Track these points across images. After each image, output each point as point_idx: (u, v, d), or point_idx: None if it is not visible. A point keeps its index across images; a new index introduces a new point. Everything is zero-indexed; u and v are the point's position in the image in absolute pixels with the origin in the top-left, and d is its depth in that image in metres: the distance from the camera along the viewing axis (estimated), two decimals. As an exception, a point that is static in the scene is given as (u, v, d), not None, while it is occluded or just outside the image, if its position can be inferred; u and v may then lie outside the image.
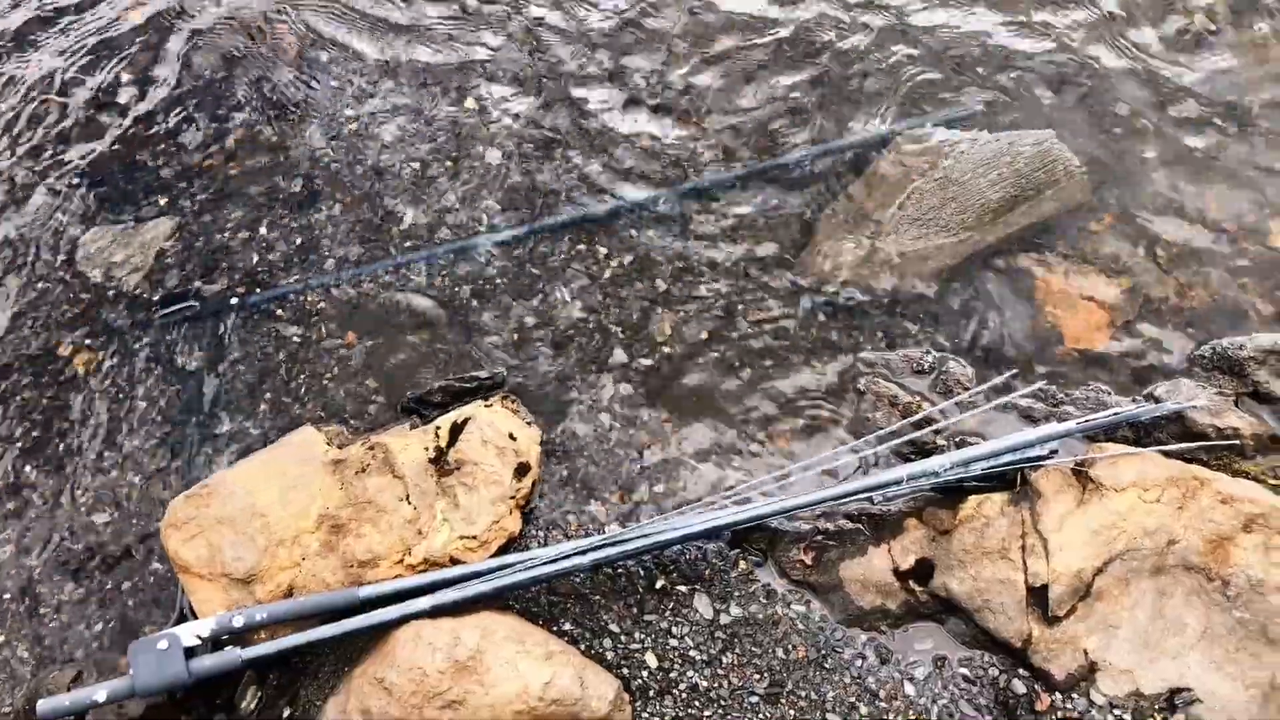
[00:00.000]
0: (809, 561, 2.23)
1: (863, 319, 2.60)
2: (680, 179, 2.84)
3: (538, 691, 1.92)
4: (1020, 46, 3.11)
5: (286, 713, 2.07)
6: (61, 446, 2.44)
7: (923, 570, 2.17)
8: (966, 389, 2.36)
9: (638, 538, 2.12)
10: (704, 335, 2.60)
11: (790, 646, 2.13)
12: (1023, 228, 2.69)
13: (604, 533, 2.23)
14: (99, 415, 2.47)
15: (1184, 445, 2.21)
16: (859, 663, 2.10)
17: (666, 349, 2.58)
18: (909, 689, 2.07)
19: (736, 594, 2.19)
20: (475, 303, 2.66)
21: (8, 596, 2.28)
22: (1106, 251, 2.67)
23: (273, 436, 2.40)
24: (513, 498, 2.22)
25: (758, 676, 2.09)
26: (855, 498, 2.18)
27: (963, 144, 2.74)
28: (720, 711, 2.04)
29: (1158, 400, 2.33)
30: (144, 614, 2.24)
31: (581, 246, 2.77)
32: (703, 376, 2.54)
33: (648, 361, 2.56)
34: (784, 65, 3.08)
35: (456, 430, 2.28)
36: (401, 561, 2.13)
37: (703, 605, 2.18)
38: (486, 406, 2.36)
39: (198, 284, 2.64)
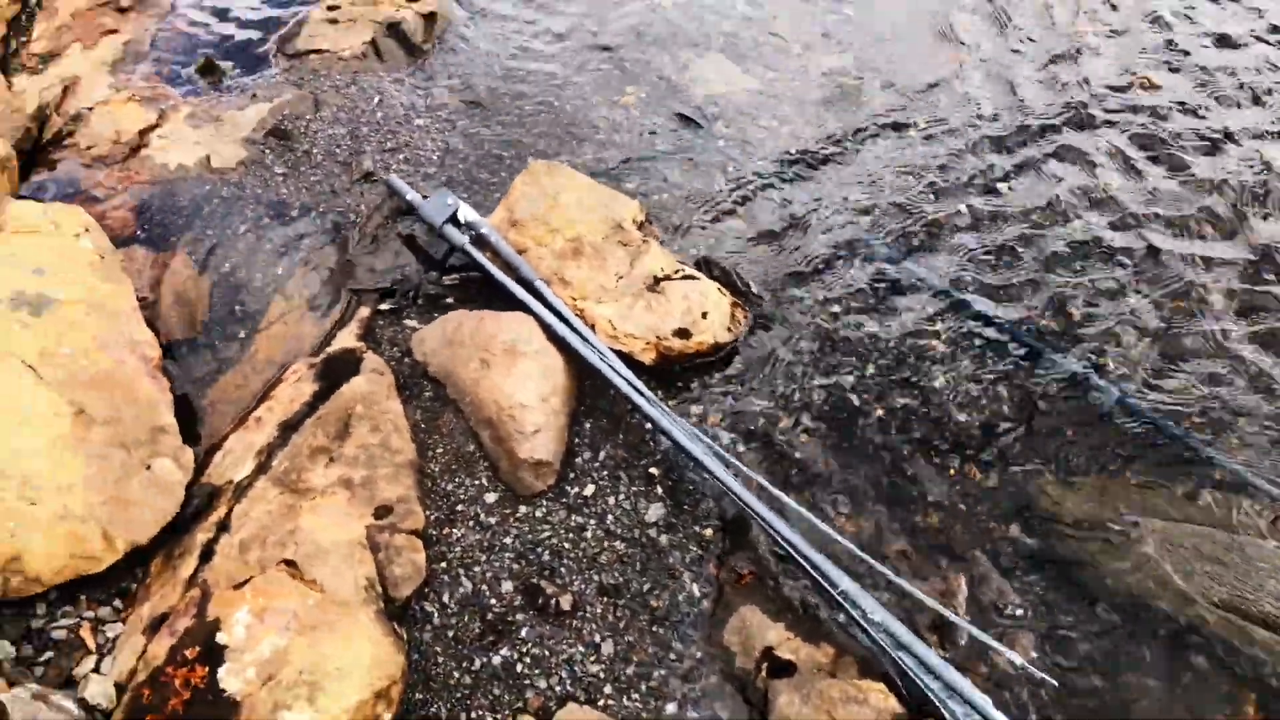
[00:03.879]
0: (743, 577, 2.21)
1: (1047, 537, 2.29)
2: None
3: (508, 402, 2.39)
4: None
5: (450, 300, 2.84)
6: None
7: (784, 669, 2.01)
8: (999, 645, 1.98)
9: (678, 429, 2.35)
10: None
11: (656, 595, 2.20)
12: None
13: (673, 412, 2.47)
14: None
15: None
16: (671, 658, 2.09)
17: (889, 400, 2.62)
18: (670, 708, 2.01)
19: (679, 534, 2.30)
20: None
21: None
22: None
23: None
24: (658, 339, 2.60)
25: (615, 571, 2.23)
26: (809, 569, 2.09)
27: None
28: (572, 560, 2.24)
29: None
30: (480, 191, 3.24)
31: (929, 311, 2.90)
32: (878, 436, 2.54)
33: (867, 394, 2.64)
34: None
35: (686, 278, 2.74)
36: (575, 298, 2.70)
37: (654, 510, 2.34)
38: (719, 291, 2.74)
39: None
